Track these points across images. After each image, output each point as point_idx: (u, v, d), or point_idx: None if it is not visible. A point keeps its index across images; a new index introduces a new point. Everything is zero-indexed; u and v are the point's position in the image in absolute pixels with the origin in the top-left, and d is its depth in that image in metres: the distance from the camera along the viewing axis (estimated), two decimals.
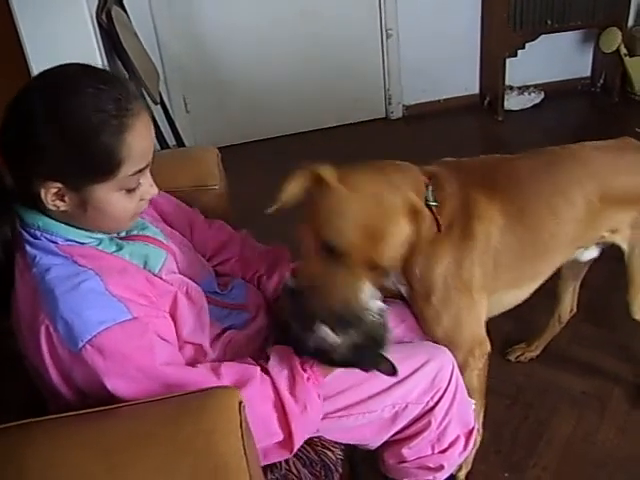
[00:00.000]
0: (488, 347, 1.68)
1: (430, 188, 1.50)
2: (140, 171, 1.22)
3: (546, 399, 2.24)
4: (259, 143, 4.11)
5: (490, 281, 1.61)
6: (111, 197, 1.21)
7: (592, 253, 1.89)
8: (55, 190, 1.17)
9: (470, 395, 1.65)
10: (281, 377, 1.30)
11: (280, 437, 1.29)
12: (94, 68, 1.23)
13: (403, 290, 1.61)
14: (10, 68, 2.37)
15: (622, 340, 2.40)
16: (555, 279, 2.14)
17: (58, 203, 1.19)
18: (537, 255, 1.70)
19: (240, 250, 1.69)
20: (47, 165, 1.15)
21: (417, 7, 4.03)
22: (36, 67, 2.25)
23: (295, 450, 1.32)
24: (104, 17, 2.65)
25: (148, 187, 1.27)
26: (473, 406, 1.66)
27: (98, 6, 2.67)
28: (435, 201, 1.49)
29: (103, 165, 1.17)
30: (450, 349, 1.58)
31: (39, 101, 1.15)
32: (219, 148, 1.98)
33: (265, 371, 1.30)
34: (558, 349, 2.36)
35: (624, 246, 1.80)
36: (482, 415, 1.81)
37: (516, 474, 2.00)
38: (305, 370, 1.32)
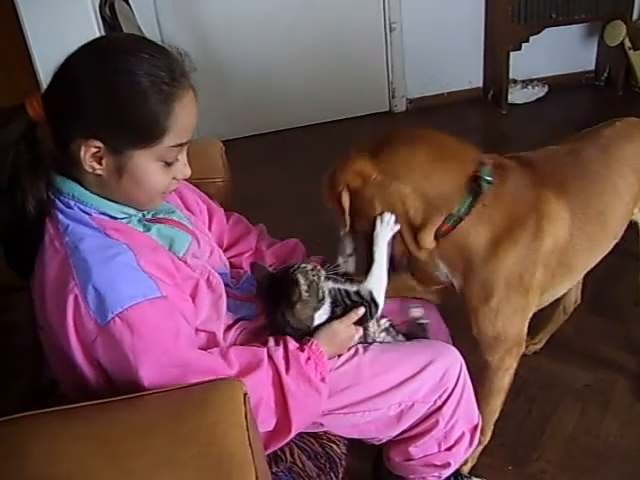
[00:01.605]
0: (524, 347, 1.67)
1: (488, 168, 1.48)
2: (181, 145, 1.23)
3: (550, 392, 2.24)
4: (262, 136, 4.11)
5: (549, 279, 1.59)
6: (149, 167, 1.21)
7: None
8: (95, 150, 1.17)
9: (493, 395, 1.66)
10: (278, 356, 1.30)
11: (277, 416, 1.29)
12: (151, 40, 1.24)
13: (455, 282, 1.58)
14: (13, 61, 2.38)
15: (626, 332, 2.40)
16: None
17: (95, 165, 1.19)
18: (596, 244, 1.68)
19: (255, 245, 1.69)
20: (91, 122, 1.16)
21: (421, 0, 4.02)
22: (40, 61, 2.25)
23: (294, 432, 1.31)
24: (108, 10, 2.64)
25: (182, 166, 1.28)
26: (492, 406, 1.67)
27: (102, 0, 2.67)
28: (490, 182, 1.46)
29: (148, 130, 1.17)
30: (491, 347, 1.59)
31: (90, 59, 1.17)
32: (222, 141, 1.97)
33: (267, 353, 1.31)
34: (562, 342, 2.36)
35: None
36: (498, 414, 1.79)
37: (520, 467, 1.99)
38: (303, 350, 1.33)
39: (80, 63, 1.17)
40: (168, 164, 1.24)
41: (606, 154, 1.66)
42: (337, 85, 4.12)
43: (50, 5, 2.26)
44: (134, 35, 1.21)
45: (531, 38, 3.94)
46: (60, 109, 1.18)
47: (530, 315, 1.63)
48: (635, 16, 4.12)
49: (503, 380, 1.68)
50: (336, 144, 3.92)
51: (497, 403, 1.73)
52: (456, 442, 1.56)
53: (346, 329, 1.41)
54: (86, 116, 1.16)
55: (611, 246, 1.76)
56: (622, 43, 4.01)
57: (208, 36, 3.89)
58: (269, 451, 1.34)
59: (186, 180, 1.49)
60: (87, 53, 1.19)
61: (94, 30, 2.38)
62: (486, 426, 1.68)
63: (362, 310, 1.42)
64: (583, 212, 1.59)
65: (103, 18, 2.61)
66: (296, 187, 3.31)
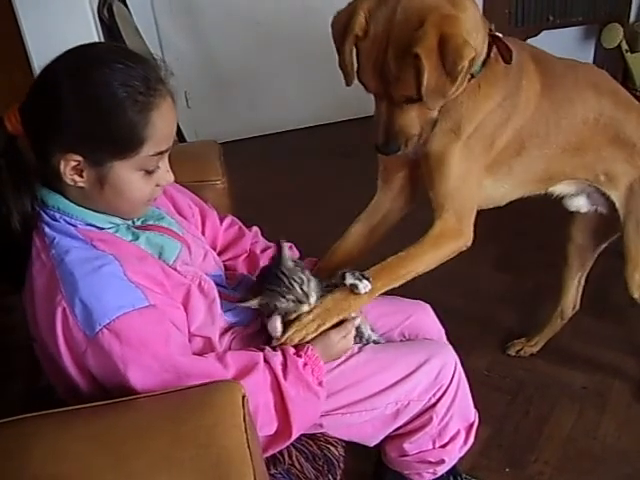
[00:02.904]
0: (467, 242, 1.55)
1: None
2: (161, 153, 1.23)
3: (547, 394, 2.24)
4: (260, 138, 4.10)
5: (500, 163, 1.60)
6: (130, 176, 1.21)
7: (580, 202, 1.87)
8: (75, 164, 1.17)
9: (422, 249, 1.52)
10: (276, 362, 1.30)
11: (277, 421, 1.29)
12: (125, 48, 1.24)
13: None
14: (11, 63, 2.38)
15: (623, 334, 2.41)
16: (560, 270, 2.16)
17: (76, 178, 1.19)
18: (538, 161, 1.67)
19: (250, 247, 1.69)
20: (69, 136, 1.15)
21: None
22: (37, 62, 2.25)
23: (294, 436, 1.32)
24: (106, 12, 2.65)
25: (165, 173, 1.28)
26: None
27: (100, 1, 2.67)
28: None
29: (126, 141, 1.17)
30: (441, 204, 1.53)
31: (66, 72, 1.16)
32: (220, 143, 1.97)
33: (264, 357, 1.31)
34: (559, 343, 2.36)
35: (620, 208, 1.79)
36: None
37: (517, 469, 2.00)
38: (300, 356, 1.33)
39: (55, 78, 1.16)
40: (149, 172, 1.23)
41: (578, 84, 1.73)
42: (335, 87, 4.08)
43: (48, 7, 2.26)
44: (107, 44, 1.20)
45: (528, 40, 3.94)
46: (37, 124, 1.18)
47: (478, 193, 1.58)
48: (632, 18, 4.13)
49: (440, 244, 1.52)
50: (334, 146, 3.92)
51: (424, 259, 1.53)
52: (451, 439, 1.57)
53: (342, 340, 1.42)
54: (63, 131, 1.16)
55: (548, 172, 1.74)
56: (619, 46, 4.01)
57: (206, 38, 3.89)
58: (268, 454, 1.35)
59: (182, 182, 1.50)
60: (62, 67, 1.18)
61: (92, 32, 2.38)
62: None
63: (358, 320, 1.44)
64: (550, 104, 1.63)
65: (101, 20, 2.61)
66: (294, 189, 3.34)
